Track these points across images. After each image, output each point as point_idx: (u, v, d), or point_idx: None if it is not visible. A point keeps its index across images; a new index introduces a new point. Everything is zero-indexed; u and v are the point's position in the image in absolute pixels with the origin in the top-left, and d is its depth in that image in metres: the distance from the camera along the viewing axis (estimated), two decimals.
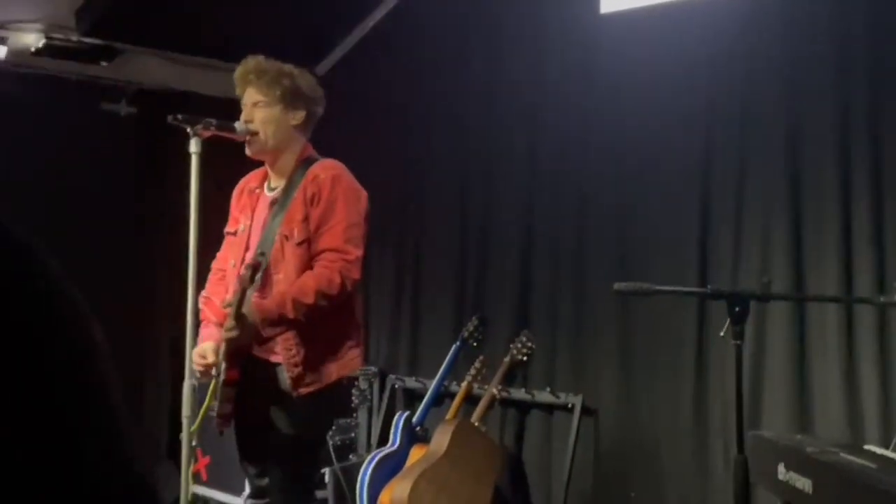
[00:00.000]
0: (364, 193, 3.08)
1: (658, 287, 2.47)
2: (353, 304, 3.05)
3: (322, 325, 2.93)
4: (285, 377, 2.94)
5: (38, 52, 4.58)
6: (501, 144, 4.74)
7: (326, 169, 3.03)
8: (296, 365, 2.92)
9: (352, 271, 2.93)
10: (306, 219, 2.95)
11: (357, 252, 2.96)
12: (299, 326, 2.90)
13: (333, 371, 2.98)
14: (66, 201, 4.89)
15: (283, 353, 2.94)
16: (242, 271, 2.82)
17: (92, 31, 4.65)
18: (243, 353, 2.96)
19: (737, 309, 2.38)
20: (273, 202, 3.06)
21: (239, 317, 2.81)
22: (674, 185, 4.04)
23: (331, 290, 2.88)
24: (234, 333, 2.83)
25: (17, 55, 4.57)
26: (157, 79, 5.13)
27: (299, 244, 2.92)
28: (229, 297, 2.94)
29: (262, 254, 2.80)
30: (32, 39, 4.50)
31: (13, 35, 4.45)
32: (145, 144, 5.13)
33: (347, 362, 3.03)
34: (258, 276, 2.84)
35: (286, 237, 2.94)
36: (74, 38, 4.62)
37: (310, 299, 2.85)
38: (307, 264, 2.94)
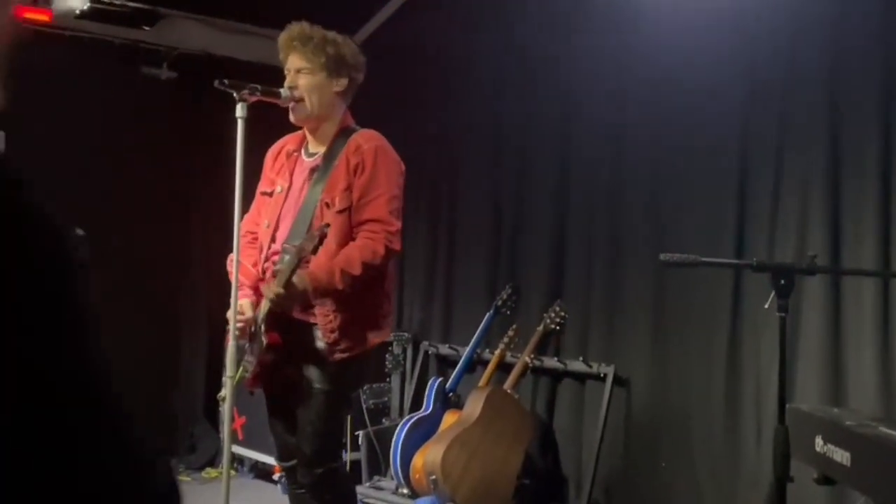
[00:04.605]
0: (403, 167, 3.14)
1: (704, 259, 2.48)
2: (386, 273, 3.11)
3: (358, 292, 2.98)
4: (321, 338, 3.00)
5: (83, 14, 4.61)
6: (538, 113, 4.74)
7: (369, 140, 3.08)
8: (332, 331, 2.98)
9: (394, 242, 3.00)
10: (349, 188, 3.00)
11: (398, 224, 3.04)
12: (340, 294, 2.96)
13: (368, 337, 3.06)
14: (106, 164, 4.95)
15: (321, 318, 3.00)
16: (306, 242, 2.84)
17: None
18: (284, 316, 3.02)
19: (782, 282, 2.39)
20: (313, 169, 3.11)
21: (288, 284, 2.87)
22: (711, 156, 4.02)
23: (375, 261, 2.95)
24: (281, 299, 2.89)
25: (61, 18, 4.61)
26: (197, 44, 5.16)
27: (340, 212, 2.98)
28: (278, 264, 3.01)
29: (328, 225, 2.84)
30: (77, 2, 4.54)
31: None
32: (185, 108, 5.17)
33: (381, 329, 3.12)
34: (320, 247, 2.86)
35: (327, 204, 2.99)
36: (118, 1, 4.65)
37: (357, 270, 2.91)
38: (346, 231, 3.00)
